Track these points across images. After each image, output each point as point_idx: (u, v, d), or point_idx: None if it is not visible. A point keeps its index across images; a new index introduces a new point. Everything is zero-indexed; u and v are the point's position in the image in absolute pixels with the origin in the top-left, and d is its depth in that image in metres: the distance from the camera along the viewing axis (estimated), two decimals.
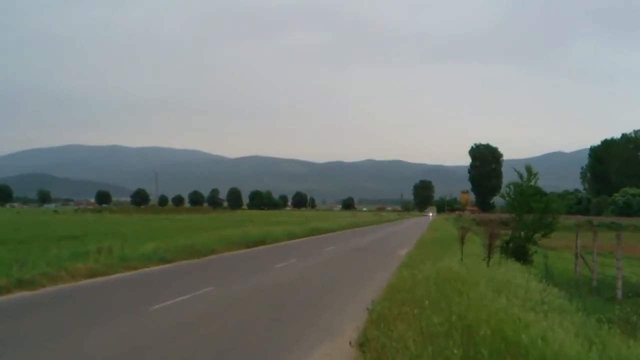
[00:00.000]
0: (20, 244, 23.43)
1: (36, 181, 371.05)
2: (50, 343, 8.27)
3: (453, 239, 28.55)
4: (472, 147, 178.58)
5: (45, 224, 47.60)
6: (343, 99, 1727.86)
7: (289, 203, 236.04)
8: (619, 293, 14.93)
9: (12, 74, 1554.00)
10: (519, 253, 20.54)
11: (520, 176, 22.43)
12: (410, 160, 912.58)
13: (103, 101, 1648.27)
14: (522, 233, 21.44)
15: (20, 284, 13.23)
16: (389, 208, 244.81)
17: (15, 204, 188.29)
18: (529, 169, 22.39)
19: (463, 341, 6.92)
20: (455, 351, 6.50)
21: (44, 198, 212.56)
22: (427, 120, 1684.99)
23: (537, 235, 21.54)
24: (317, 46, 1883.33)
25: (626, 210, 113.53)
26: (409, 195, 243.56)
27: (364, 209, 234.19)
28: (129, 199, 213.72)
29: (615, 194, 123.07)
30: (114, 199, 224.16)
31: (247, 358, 7.76)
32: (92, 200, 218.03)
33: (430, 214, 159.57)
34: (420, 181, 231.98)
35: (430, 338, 7.26)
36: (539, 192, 22.07)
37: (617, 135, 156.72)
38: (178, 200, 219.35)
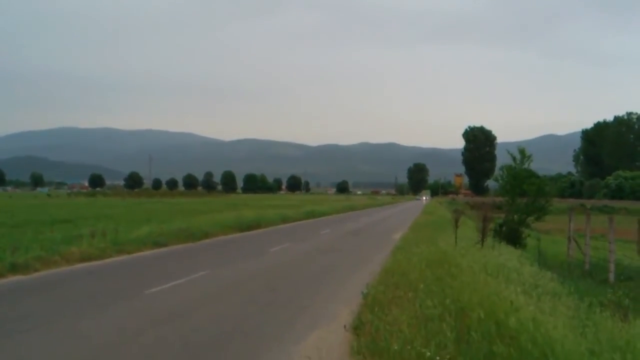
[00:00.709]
0: (13, 227, 23.26)
1: (29, 164, 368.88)
2: (45, 326, 8.28)
3: (447, 223, 28.72)
4: (466, 130, 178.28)
5: (38, 207, 47.34)
6: (338, 81, 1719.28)
7: (283, 186, 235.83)
8: (612, 276, 15.08)
9: (4, 55, 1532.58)
10: (512, 236, 20.68)
11: (514, 159, 22.45)
12: (404, 144, 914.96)
13: (97, 83, 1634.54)
14: (515, 216, 21.53)
15: (14, 268, 13.19)
16: (383, 192, 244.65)
17: (8, 188, 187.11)
18: (522, 152, 22.39)
19: (456, 324, 6.98)
20: (449, 334, 6.57)
21: (36, 181, 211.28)
22: (422, 103, 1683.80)
23: (530, 219, 21.64)
24: (312, 28, 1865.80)
25: (619, 193, 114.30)
26: (403, 179, 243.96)
27: (359, 192, 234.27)
28: (122, 182, 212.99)
29: (608, 177, 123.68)
30: (107, 182, 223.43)
31: (242, 341, 7.79)
32: (85, 183, 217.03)
33: (424, 198, 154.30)
34: (415, 164, 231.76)
35: (424, 321, 7.32)
36: (532, 175, 22.14)
37: (610, 117, 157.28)
38: (172, 184, 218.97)
